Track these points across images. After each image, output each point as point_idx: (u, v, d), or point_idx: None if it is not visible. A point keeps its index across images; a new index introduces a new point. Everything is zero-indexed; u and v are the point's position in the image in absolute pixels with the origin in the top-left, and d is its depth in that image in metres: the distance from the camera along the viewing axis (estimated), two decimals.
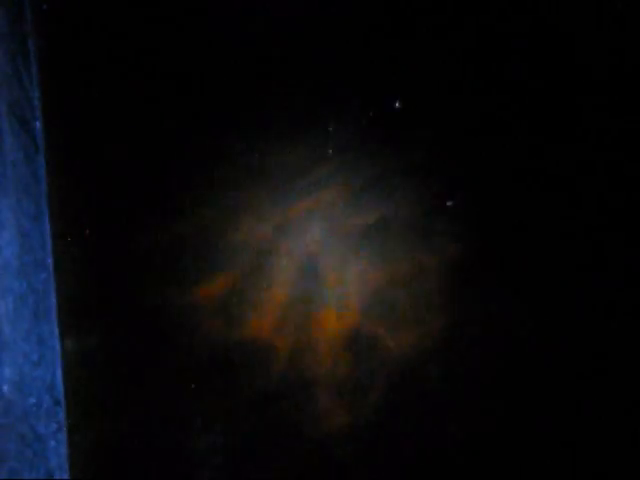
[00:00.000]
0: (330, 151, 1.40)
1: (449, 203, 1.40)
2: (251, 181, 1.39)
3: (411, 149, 1.41)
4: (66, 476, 1.39)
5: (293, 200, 1.41)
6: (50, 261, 1.31)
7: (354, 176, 1.41)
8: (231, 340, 1.43)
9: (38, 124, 1.25)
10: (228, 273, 1.42)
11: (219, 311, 1.41)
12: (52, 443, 1.36)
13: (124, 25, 1.26)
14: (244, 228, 1.41)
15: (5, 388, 1.32)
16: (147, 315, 1.40)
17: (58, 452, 1.38)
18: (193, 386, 1.41)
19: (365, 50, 1.38)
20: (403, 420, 1.45)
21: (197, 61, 1.34)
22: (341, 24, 1.37)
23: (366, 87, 1.39)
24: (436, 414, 1.44)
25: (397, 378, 1.44)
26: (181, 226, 1.36)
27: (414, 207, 1.42)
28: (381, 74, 1.39)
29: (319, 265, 1.42)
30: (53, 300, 1.33)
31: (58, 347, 1.35)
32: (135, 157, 1.34)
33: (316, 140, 1.39)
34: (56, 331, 1.35)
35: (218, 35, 1.34)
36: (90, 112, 1.29)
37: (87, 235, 1.34)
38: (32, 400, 1.33)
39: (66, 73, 1.25)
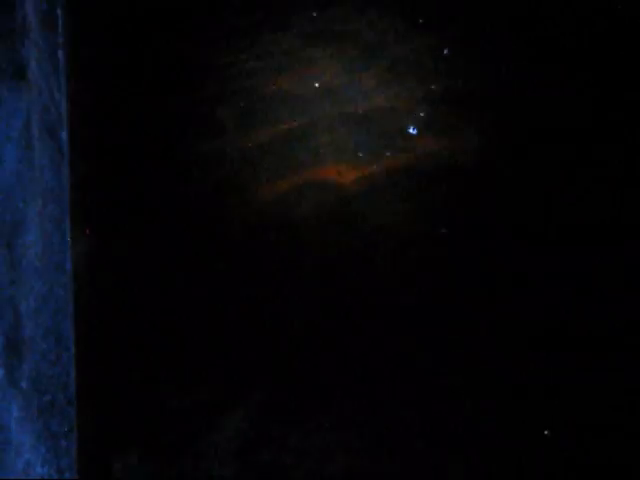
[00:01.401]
0: None
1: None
2: None
3: None
4: (75, 476, 1.42)
5: None
6: (69, 266, 1.35)
7: None
8: None
9: (64, 134, 1.30)
10: None
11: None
12: (63, 442, 1.39)
13: (148, 41, 1.29)
14: None
15: (23, 384, 1.37)
16: (158, 322, 1.40)
17: (69, 452, 1.41)
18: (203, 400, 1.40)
19: None
20: None
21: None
22: None
23: None
24: None
25: None
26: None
27: None
28: None
29: None
30: (71, 304, 1.38)
31: (73, 349, 1.39)
32: (157, 166, 1.36)
33: None
34: (73, 334, 1.39)
35: None
36: (114, 122, 1.32)
37: (106, 241, 1.37)
38: (47, 398, 1.37)
39: (93, 86, 1.30)
